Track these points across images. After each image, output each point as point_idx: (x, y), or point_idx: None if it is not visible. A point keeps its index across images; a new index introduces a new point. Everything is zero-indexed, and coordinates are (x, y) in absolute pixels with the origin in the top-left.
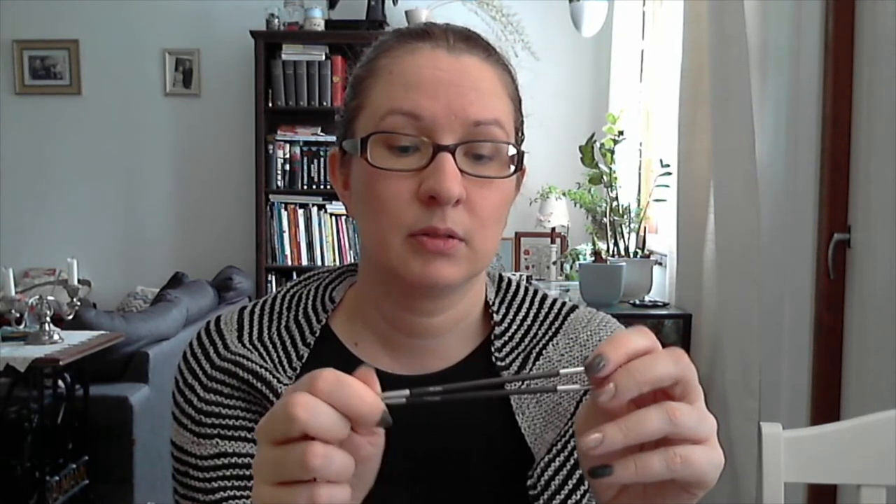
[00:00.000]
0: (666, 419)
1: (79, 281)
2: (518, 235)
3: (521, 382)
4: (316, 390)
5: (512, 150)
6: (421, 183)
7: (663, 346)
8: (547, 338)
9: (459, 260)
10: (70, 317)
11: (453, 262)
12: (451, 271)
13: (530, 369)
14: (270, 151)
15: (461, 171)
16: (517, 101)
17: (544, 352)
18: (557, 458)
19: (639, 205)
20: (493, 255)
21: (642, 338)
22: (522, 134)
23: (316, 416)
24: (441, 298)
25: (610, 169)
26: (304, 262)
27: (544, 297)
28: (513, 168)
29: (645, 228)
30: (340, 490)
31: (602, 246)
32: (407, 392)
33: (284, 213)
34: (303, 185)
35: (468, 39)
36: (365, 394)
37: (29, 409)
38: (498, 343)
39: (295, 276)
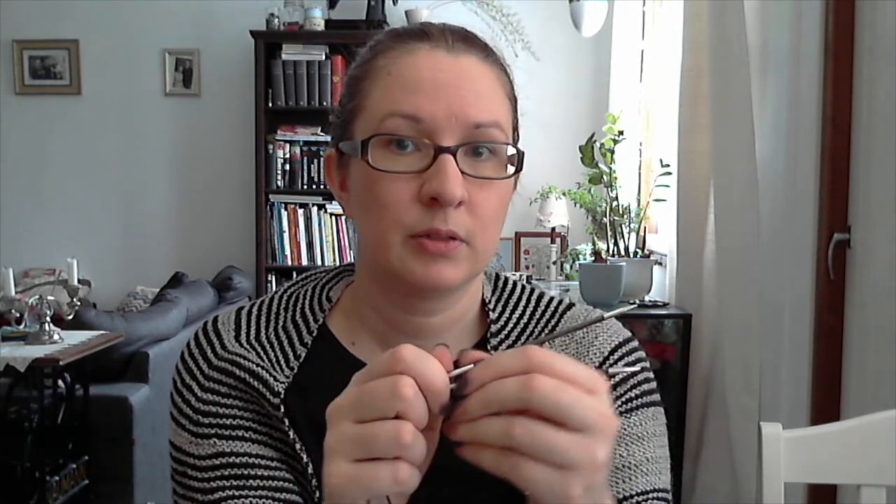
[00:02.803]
0: (502, 432)
1: (79, 281)
2: (518, 235)
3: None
4: (400, 356)
5: (511, 151)
6: (422, 184)
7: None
8: (543, 336)
9: (461, 261)
10: (70, 317)
11: (454, 263)
12: (452, 273)
13: None
14: (270, 151)
15: (462, 172)
16: (514, 101)
17: None
18: None
19: (639, 205)
20: (493, 255)
21: (515, 360)
22: (518, 134)
23: (418, 399)
24: (440, 299)
25: (610, 169)
26: (304, 262)
27: (541, 295)
28: (512, 169)
29: (645, 228)
30: (417, 473)
31: (602, 246)
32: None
33: (284, 213)
34: (303, 184)
35: (466, 39)
36: (442, 373)
37: (29, 409)
38: (494, 341)
39: (295, 276)
